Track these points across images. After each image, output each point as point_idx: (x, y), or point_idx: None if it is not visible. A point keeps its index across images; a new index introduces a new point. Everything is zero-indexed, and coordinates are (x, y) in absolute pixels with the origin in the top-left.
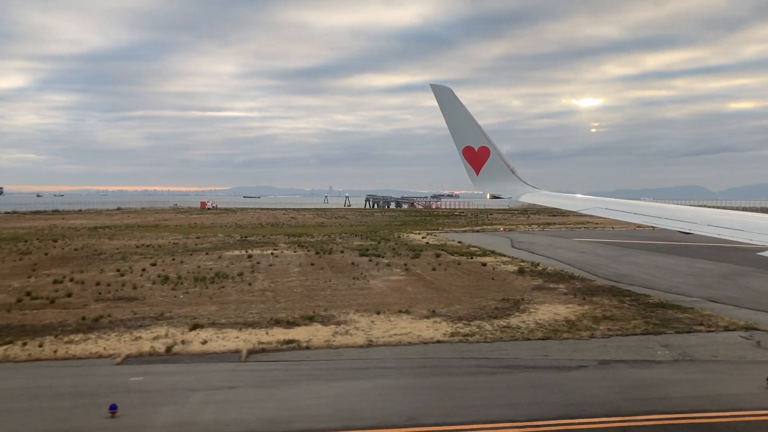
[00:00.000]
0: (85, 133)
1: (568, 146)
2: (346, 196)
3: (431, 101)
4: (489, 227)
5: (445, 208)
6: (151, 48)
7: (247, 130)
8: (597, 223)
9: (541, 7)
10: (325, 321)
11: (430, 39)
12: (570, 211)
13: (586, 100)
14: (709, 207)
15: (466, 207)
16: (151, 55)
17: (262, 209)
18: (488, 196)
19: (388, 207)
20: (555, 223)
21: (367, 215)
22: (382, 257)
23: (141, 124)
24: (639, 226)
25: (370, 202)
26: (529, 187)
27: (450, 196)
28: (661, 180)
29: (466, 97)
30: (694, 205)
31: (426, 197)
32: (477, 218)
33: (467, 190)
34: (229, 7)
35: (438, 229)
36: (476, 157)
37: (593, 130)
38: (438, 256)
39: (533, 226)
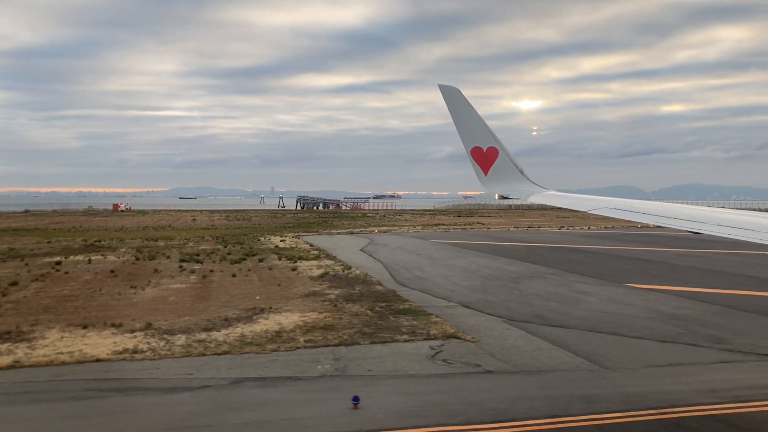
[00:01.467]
0: (15, 133)
1: (509, 147)
2: (280, 197)
3: (374, 102)
4: (374, 228)
5: (367, 209)
6: (86, 45)
7: (187, 129)
8: (485, 224)
9: (481, 10)
10: (14, 338)
11: (373, 40)
12: (578, 211)
13: (526, 102)
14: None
15: (389, 208)
16: (86, 53)
17: (178, 211)
18: (496, 197)
19: (315, 208)
20: (444, 224)
21: (278, 216)
22: (201, 263)
23: (76, 123)
24: (643, 225)
25: (300, 203)
26: (537, 187)
27: (392, 196)
28: (596, 180)
29: (410, 98)
30: None
31: (356, 198)
32: (381, 219)
33: (409, 191)
34: (168, 5)
35: (316, 232)
36: (484, 158)
37: (534, 132)
38: (261, 261)
39: (418, 228)
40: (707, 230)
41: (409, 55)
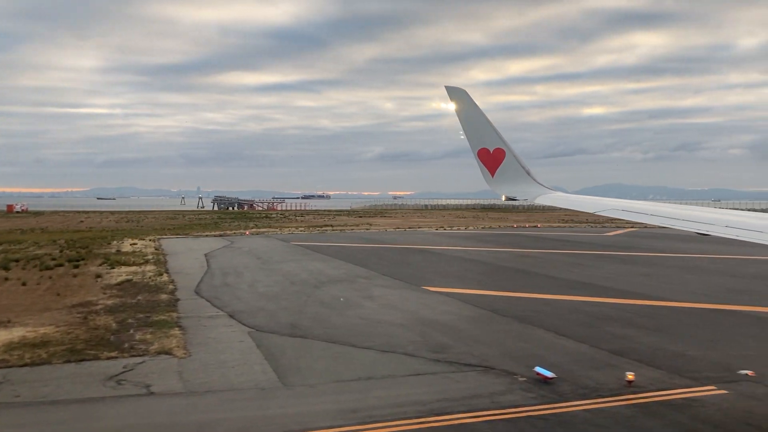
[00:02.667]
0: None
1: (438, 148)
2: (199, 197)
3: (304, 101)
4: (252, 230)
5: (278, 209)
6: None
7: (108, 128)
8: (374, 224)
9: (411, 12)
10: None
11: (303, 39)
12: (586, 213)
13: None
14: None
15: (300, 208)
16: None
17: (78, 212)
18: (503, 198)
19: (228, 208)
20: (333, 225)
21: (176, 218)
22: (7, 270)
23: None
24: (650, 226)
25: (217, 204)
26: (544, 189)
27: (321, 197)
28: None
29: (340, 98)
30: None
31: (276, 199)
32: (278, 221)
33: (340, 191)
34: None
35: (187, 234)
36: (491, 159)
37: (462, 137)
38: (77, 267)
39: (301, 229)
40: (715, 232)
41: (339, 55)
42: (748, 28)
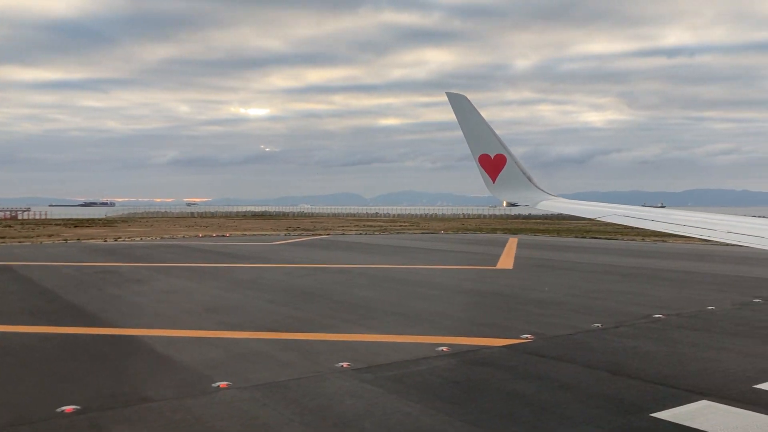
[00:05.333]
0: None
1: (237, 154)
2: None
3: (89, 101)
4: None
5: (12, 219)
6: None
7: None
8: (59, 235)
9: (207, 14)
10: None
11: (88, 34)
12: (587, 218)
13: (254, 109)
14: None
15: (44, 217)
16: None
17: None
18: (504, 204)
19: None
20: (16, 237)
21: None
22: None
23: None
24: (655, 233)
25: None
26: (545, 194)
27: (105, 203)
28: (321, 188)
29: (131, 99)
30: (351, 210)
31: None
32: None
33: (130, 197)
34: None
35: None
36: (492, 165)
37: (267, 149)
38: None
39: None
40: (717, 237)
41: (129, 54)
42: (521, 51)
